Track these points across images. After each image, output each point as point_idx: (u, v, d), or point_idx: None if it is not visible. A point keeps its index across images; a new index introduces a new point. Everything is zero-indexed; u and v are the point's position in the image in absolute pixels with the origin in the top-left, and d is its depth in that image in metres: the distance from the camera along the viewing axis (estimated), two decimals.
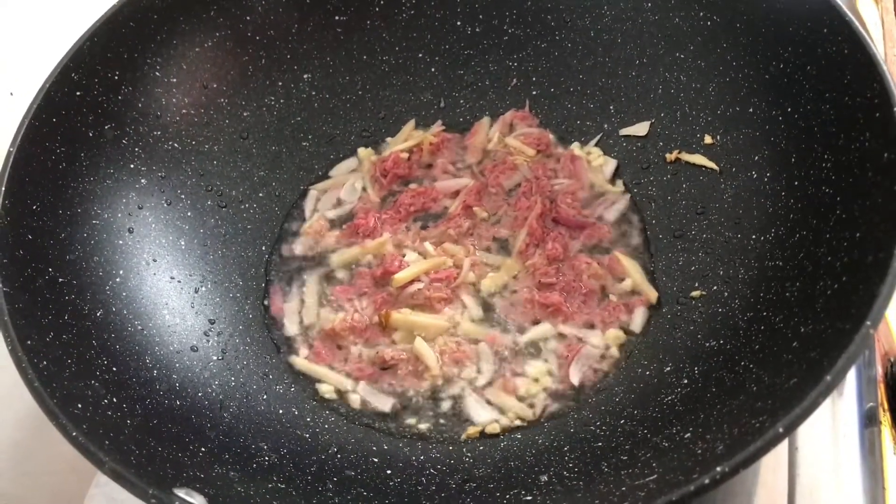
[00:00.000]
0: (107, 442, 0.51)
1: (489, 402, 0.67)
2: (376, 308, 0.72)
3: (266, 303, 0.75)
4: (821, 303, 0.55)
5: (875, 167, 0.56)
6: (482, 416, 0.66)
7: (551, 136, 0.82)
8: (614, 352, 0.68)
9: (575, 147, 0.81)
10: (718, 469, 0.44)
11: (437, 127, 0.84)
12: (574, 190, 0.78)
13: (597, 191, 0.78)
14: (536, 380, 0.67)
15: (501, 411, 0.66)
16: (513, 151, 0.81)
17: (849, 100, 0.60)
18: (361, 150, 0.84)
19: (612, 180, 0.78)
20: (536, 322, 0.70)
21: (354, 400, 0.68)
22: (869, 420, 0.66)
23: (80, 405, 0.53)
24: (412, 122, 0.85)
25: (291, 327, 0.73)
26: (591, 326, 0.69)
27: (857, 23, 0.60)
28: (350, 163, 0.84)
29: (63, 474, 0.84)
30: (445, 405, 0.67)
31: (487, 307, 0.72)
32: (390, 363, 0.68)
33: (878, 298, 0.47)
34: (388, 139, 0.85)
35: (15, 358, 0.53)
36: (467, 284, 0.73)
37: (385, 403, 0.67)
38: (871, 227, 0.54)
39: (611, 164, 0.79)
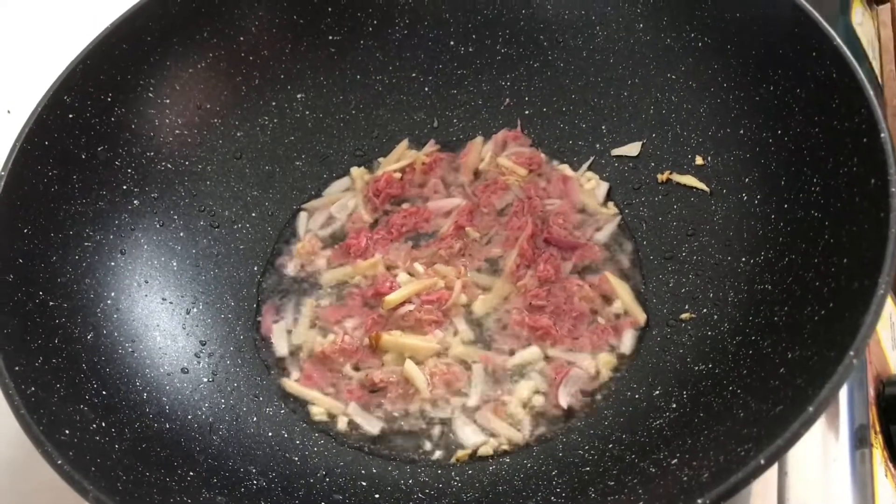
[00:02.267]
0: (93, 468, 0.51)
1: (479, 426, 0.67)
2: (367, 330, 0.72)
3: (258, 318, 0.75)
4: (808, 329, 0.55)
5: (862, 192, 0.56)
6: (471, 439, 0.66)
7: (543, 156, 0.82)
8: (604, 375, 0.68)
9: (565, 169, 0.81)
10: (699, 501, 0.44)
11: (431, 146, 0.84)
12: (565, 210, 0.77)
13: (588, 212, 0.78)
14: (525, 403, 0.67)
15: (491, 434, 0.66)
16: (504, 171, 0.81)
17: (837, 124, 0.60)
18: (354, 170, 0.84)
19: (605, 202, 0.78)
20: (526, 344, 0.70)
21: (344, 423, 0.68)
22: (860, 442, 0.66)
23: (67, 431, 0.53)
24: (405, 142, 0.85)
25: (282, 349, 0.73)
26: (581, 350, 0.69)
27: (844, 46, 0.60)
28: (343, 182, 0.84)
29: (60, 491, 0.84)
30: (435, 428, 0.67)
31: (478, 329, 0.72)
32: (380, 385, 0.68)
33: (861, 328, 0.47)
34: (381, 159, 0.85)
35: (2, 384, 0.53)
36: (458, 306, 0.73)
37: (374, 426, 0.67)
38: (858, 253, 0.54)
39: (603, 187, 0.79)
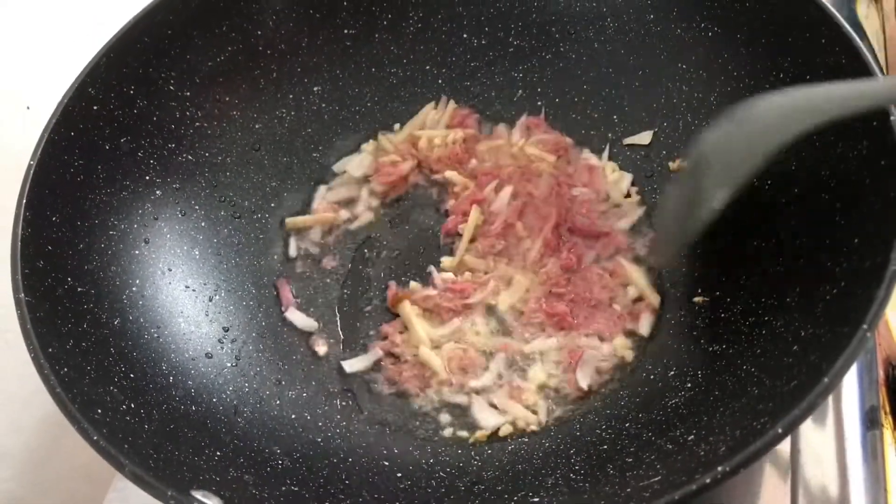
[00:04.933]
0: (126, 446, 0.52)
1: (496, 408, 0.68)
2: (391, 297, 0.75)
3: (275, 292, 0.78)
4: (820, 307, 0.56)
5: (872, 174, 0.57)
6: (489, 420, 0.67)
7: (569, 140, 0.83)
8: (619, 357, 0.69)
9: (590, 158, 0.82)
10: (720, 469, 0.45)
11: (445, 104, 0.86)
12: (591, 199, 0.78)
13: (613, 202, 0.78)
14: (542, 386, 0.68)
15: (508, 416, 0.67)
16: (533, 159, 0.82)
17: None
18: (365, 146, 0.86)
19: (627, 193, 0.79)
20: (543, 331, 0.71)
21: (365, 405, 0.70)
22: (871, 423, 0.67)
23: (99, 410, 0.55)
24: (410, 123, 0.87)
25: (301, 323, 0.76)
26: (597, 335, 0.70)
27: (853, 34, 0.61)
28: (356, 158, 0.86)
29: (79, 481, 0.86)
30: (454, 410, 0.68)
31: (496, 317, 0.73)
32: (396, 351, 0.71)
33: (874, 303, 0.48)
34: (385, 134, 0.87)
35: (37, 365, 0.54)
36: (482, 304, 0.74)
37: (395, 409, 0.69)
38: (869, 233, 0.55)
39: (627, 179, 0.80)
